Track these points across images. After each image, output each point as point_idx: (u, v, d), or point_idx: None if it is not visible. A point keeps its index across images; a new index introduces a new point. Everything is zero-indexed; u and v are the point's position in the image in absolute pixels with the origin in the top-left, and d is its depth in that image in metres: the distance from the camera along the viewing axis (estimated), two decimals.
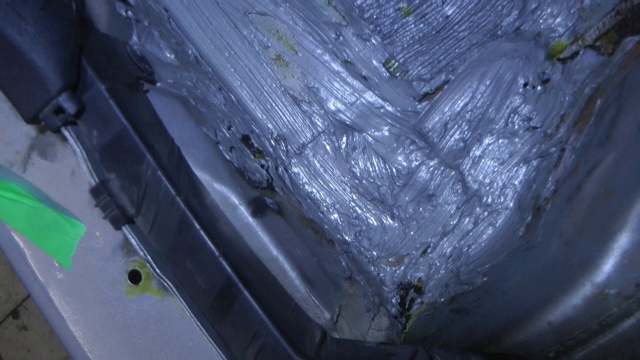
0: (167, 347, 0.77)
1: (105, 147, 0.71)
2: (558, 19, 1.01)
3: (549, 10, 1.01)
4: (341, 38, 1.08)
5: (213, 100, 1.02)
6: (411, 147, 1.10)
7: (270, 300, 0.77)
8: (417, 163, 1.10)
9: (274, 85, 1.09)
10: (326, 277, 0.99)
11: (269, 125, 1.09)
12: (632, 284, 0.73)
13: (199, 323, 0.73)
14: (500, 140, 1.07)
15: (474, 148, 1.08)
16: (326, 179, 1.11)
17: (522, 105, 1.05)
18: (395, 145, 1.11)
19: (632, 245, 0.73)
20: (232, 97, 1.08)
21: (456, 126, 1.08)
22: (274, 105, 1.09)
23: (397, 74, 1.09)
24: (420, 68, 1.08)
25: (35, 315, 2.34)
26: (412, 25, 1.07)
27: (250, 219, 0.87)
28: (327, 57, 1.09)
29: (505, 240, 1.05)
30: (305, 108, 1.10)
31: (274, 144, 1.09)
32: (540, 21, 1.02)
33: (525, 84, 1.04)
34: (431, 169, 1.10)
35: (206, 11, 1.05)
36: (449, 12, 1.06)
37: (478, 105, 1.06)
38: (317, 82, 1.09)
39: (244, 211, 0.87)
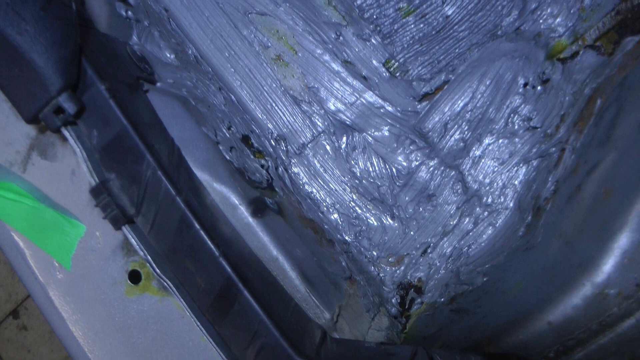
0: (167, 347, 0.77)
1: (105, 147, 0.71)
2: (558, 19, 1.01)
3: (549, 10, 1.01)
4: (341, 38, 1.08)
5: (213, 100, 1.02)
6: (411, 147, 1.10)
7: (270, 300, 0.77)
8: (417, 163, 1.10)
9: (274, 85, 1.09)
10: (326, 277, 0.99)
11: (269, 125, 1.09)
12: (632, 284, 0.73)
13: (199, 323, 0.73)
14: (500, 140, 1.07)
15: (474, 148, 1.08)
16: (326, 179, 1.11)
17: (522, 105, 1.05)
18: (395, 145, 1.10)
19: (632, 245, 0.72)
20: (232, 97, 1.08)
21: (456, 126, 1.08)
22: (274, 105, 1.09)
23: (397, 74, 1.09)
24: (420, 68, 1.08)
25: (35, 315, 2.34)
26: (412, 25, 1.07)
27: (250, 219, 0.87)
28: (327, 57, 1.09)
29: (505, 240, 1.05)
30: (305, 108, 1.10)
31: (274, 144, 1.09)
32: (540, 21, 1.02)
33: (525, 84, 1.04)
34: (431, 169, 1.10)
35: (206, 11, 1.05)
36: (449, 12, 1.06)
37: (478, 105, 1.06)
38: (317, 82, 1.09)
39: (244, 211, 0.87)
